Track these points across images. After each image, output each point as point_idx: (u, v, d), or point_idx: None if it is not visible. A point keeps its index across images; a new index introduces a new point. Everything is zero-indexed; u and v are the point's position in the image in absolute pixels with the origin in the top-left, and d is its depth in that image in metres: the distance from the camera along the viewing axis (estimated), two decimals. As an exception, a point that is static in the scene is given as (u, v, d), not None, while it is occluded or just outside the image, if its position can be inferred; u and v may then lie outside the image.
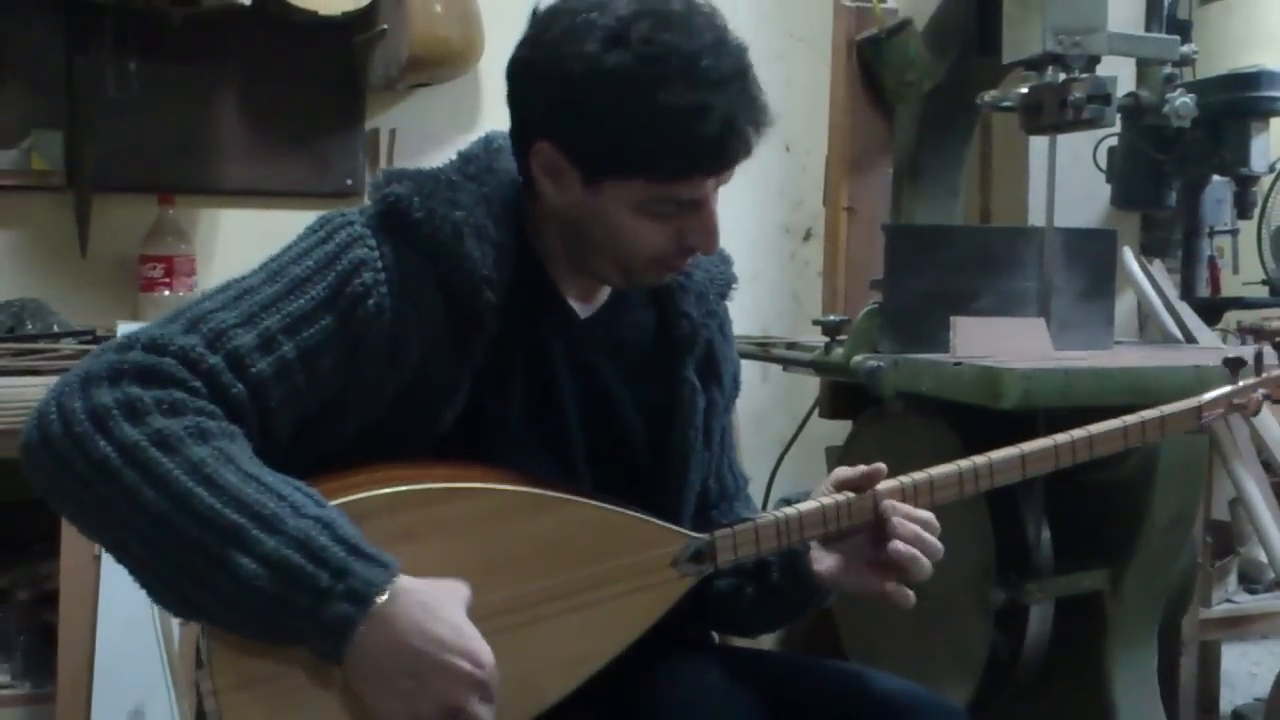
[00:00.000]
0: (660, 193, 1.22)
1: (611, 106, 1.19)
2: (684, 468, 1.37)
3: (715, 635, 1.55)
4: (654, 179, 1.21)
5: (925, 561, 1.28)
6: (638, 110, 1.18)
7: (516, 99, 1.28)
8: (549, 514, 1.21)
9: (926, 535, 1.29)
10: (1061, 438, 1.38)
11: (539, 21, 1.25)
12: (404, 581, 1.07)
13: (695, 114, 1.18)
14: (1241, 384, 1.50)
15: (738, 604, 1.42)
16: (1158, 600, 2.25)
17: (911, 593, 1.30)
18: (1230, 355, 1.52)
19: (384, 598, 1.05)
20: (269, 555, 1.04)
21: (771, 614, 1.43)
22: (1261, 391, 1.49)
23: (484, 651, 1.08)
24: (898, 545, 1.27)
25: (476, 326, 1.24)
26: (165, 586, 1.08)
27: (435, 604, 1.07)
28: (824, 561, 1.35)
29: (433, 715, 1.07)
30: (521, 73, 1.26)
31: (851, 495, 1.31)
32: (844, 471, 1.32)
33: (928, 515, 1.31)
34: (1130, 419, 1.41)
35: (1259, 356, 1.51)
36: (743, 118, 1.21)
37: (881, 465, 1.32)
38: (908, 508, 1.30)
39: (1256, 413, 1.49)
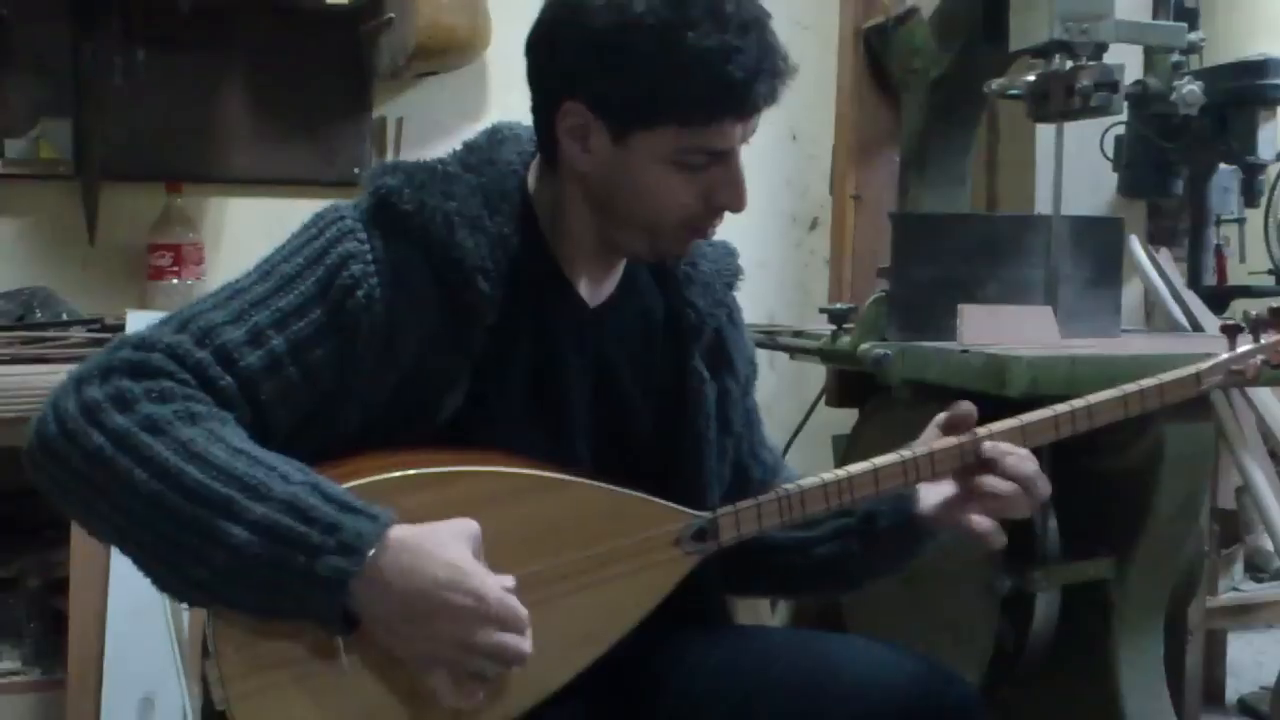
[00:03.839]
0: (690, 141, 1.23)
1: (641, 52, 1.20)
2: (698, 456, 1.38)
3: (733, 611, 1.56)
4: (684, 124, 1.22)
5: (1027, 501, 1.34)
6: (668, 54, 1.19)
7: (542, 63, 1.28)
8: (552, 495, 1.22)
9: (1040, 476, 1.34)
10: (1061, 408, 1.39)
11: None
12: (398, 531, 1.08)
13: (724, 55, 1.19)
14: (1240, 350, 1.49)
15: (846, 565, 1.46)
16: (1164, 589, 2.25)
17: (1004, 535, 1.34)
18: (1228, 323, 1.51)
19: (376, 548, 1.06)
20: (259, 521, 1.05)
21: (880, 564, 1.47)
22: (1260, 357, 1.48)
23: (485, 584, 1.08)
24: (998, 484, 1.33)
25: (473, 316, 1.24)
26: (167, 569, 1.09)
27: (431, 546, 1.08)
28: (930, 502, 1.39)
29: (455, 655, 1.08)
30: (547, 34, 1.27)
31: (853, 471, 1.32)
32: (942, 416, 1.38)
33: (1027, 453, 1.35)
34: (1129, 387, 1.42)
35: (1257, 322, 1.51)
36: (768, 62, 1.22)
37: (970, 408, 1.36)
38: (1020, 449, 1.35)
39: (1255, 379, 1.48)
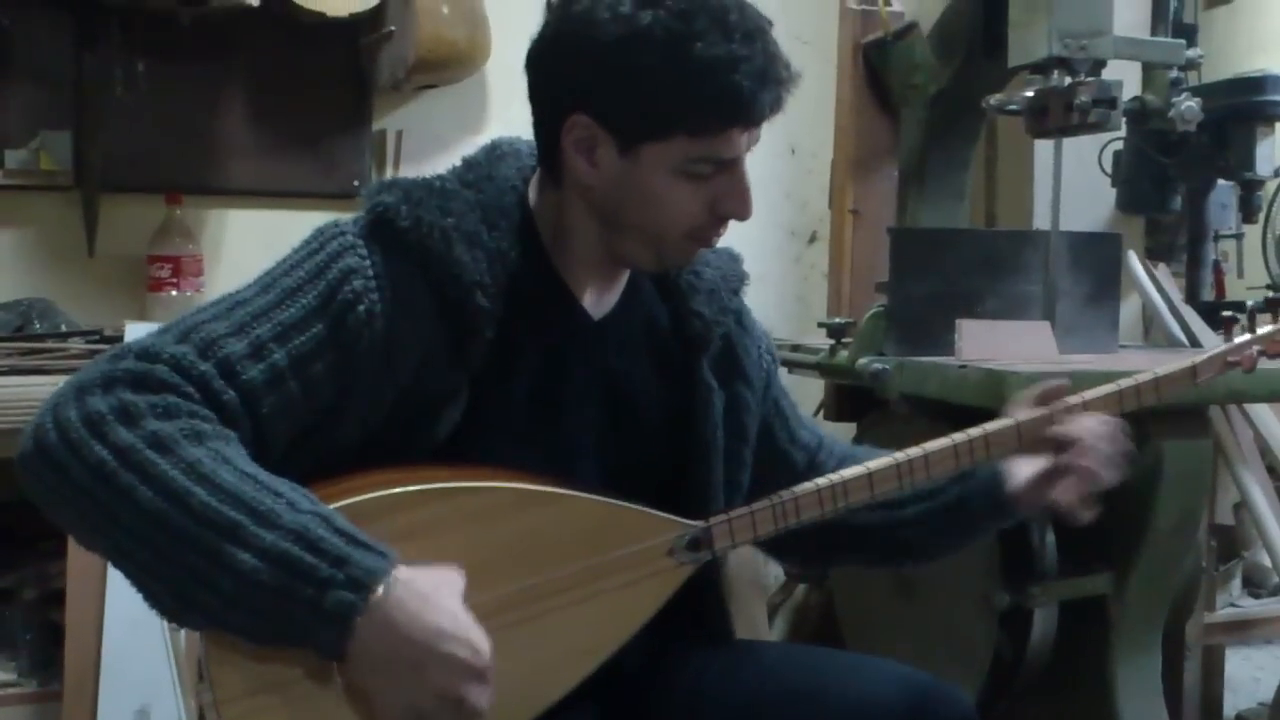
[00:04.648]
0: (698, 151, 1.23)
1: (649, 64, 1.20)
2: (705, 466, 1.38)
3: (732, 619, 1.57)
4: (693, 134, 1.22)
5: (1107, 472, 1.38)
6: (675, 64, 1.20)
7: (545, 78, 1.28)
8: (545, 509, 1.22)
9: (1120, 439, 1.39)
10: (1056, 405, 1.40)
11: (561, 2, 1.26)
12: (402, 572, 1.07)
13: (731, 65, 1.20)
14: (1235, 341, 1.48)
15: (927, 544, 1.51)
16: (1162, 604, 2.25)
17: (1092, 508, 1.39)
18: (1224, 314, 1.51)
19: (383, 586, 1.05)
20: (268, 549, 1.04)
21: (962, 542, 1.52)
22: (1257, 348, 1.47)
23: (481, 640, 1.08)
24: (1076, 458, 1.37)
25: (472, 331, 1.24)
26: (166, 588, 1.08)
27: (433, 593, 1.07)
28: (1018, 483, 1.42)
29: (432, 705, 1.07)
30: (551, 49, 1.27)
31: (833, 479, 1.33)
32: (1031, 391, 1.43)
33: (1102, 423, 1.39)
34: (1125, 382, 1.42)
35: (1252, 314, 1.51)
36: (773, 71, 1.23)
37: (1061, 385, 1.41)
38: (1098, 419, 1.39)
39: (1251, 369, 1.48)
